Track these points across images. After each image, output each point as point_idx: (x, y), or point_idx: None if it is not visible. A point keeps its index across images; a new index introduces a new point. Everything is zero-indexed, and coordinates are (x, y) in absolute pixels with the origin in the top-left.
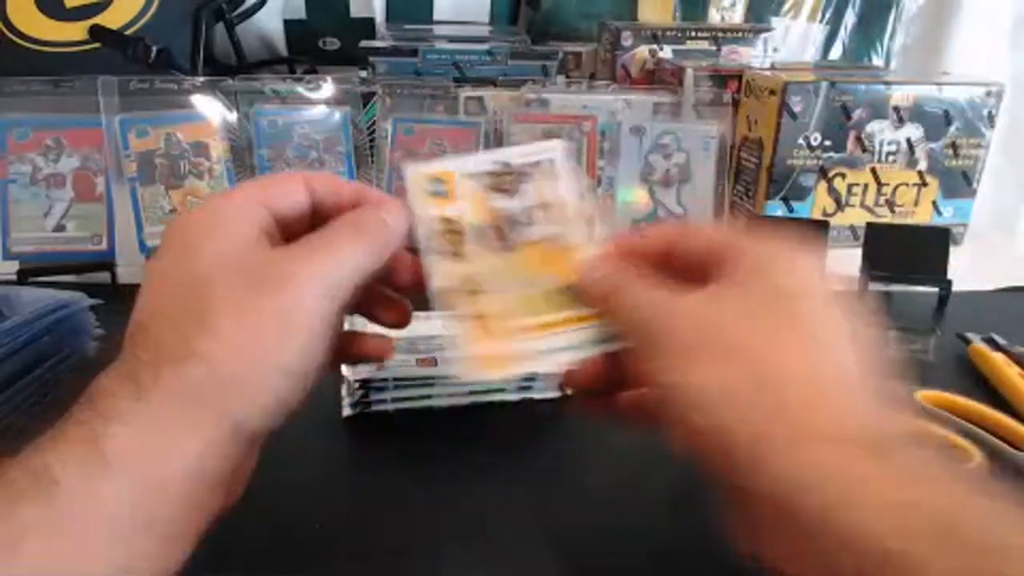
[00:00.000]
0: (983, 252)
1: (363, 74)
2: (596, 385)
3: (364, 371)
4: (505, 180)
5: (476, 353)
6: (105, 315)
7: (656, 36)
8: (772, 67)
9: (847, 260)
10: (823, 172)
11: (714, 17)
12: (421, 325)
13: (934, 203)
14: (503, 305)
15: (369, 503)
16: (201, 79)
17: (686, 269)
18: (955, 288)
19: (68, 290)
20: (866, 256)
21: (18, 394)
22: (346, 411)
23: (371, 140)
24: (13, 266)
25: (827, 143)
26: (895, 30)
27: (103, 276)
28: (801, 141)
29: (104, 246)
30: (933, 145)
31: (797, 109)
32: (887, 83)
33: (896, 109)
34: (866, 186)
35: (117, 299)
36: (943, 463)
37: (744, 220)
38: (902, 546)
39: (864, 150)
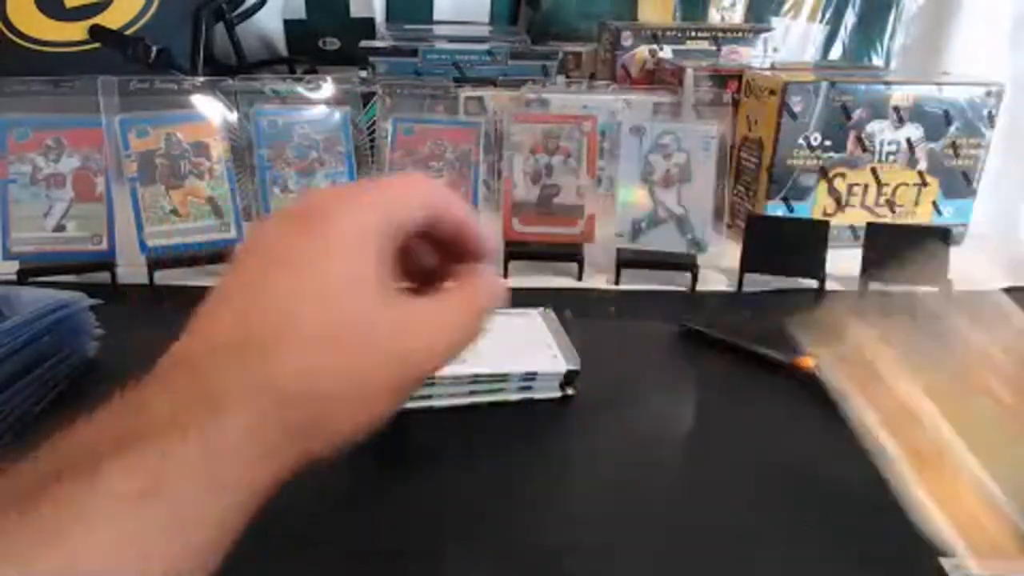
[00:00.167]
0: (983, 252)
1: (363, 74)
2: None
3: None
4: None
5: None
6: (105, 315)
7: (656, 36)
8: (772, 67)
9: (847, 260)
10: (823, 172)
11: (714, 17)
12: None
13: (934, 203)
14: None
15: (369, 503)
16: (201, 79)
17: None
18: (955, 288)
19: (68, 290)
20: (866, 256)
21: (18, 394)
22: None
23: (371, 140)
24: (13, 266)
25: (827, 143)
26: (895, 30)
27: (103, 276)
28: (801, 141)
29: (104, 246)
30: (933, 145)
31: (797, 109)
32: (887, 83)
33: (896, 109)
34: (866, 186)
35: (117, 299)
36: None
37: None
38: None
39: (864, 150)
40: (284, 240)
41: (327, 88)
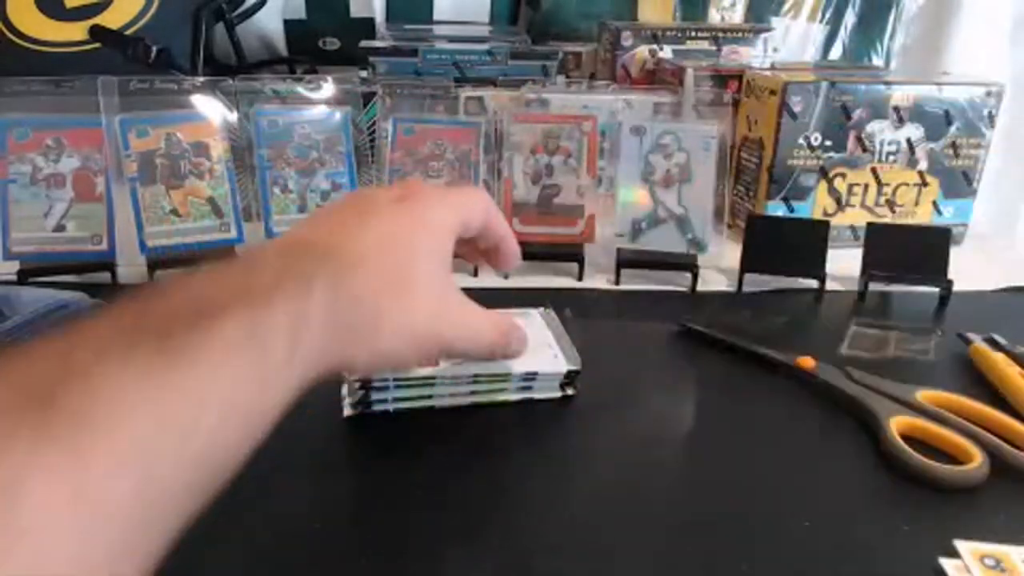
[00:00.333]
0: (983, 252)
1: (363, 74)
2: None
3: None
4: None
5: None
6: None
7: (656, 36)
8: (772, 67)
9: (847, 260)
10: (823, 172)
11: (714, 17)
12: None
13: (934, 203)
14: None
15: (369, 503)
16: (201, 79)
17: None
18: (955, 288)
19: (68, 290)
20: (866, 256)
21: None
22: (346, 411)
23: (371, 140)
24: (13, 266)
25: (827, 143)
26: (895, 30)
27: (103, 276)
28: (801, 141)
29: (104, 246)
30: (933, 145)
31: (797, 109)
32: (887, 83)
33: (896, 109)
34: (866, 186)
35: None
36: None
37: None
38: None
39: (864, 150)
40: (384, 203)
41: (327, 88)
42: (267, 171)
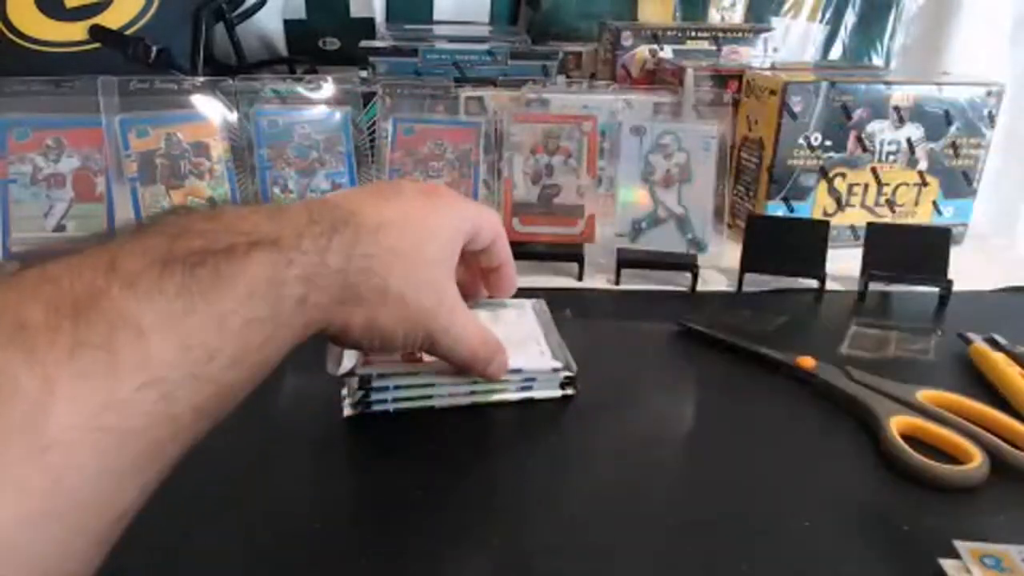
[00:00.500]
0: (983, 252)
1: (363, 74)
2: None
3: (346, 365)
4: None
5: None
6: None
7: (656, 36)
8: (772, 67)
9: (847, 260)
10: (823, 172)
11: (714, 17)
12: None
13: (934, 203)
14: None
15: (369, 503)
16: (201, 79)
17: None
18: (955, 288)
19: None
20: (866, 256)
21: None
22: (346, 411)
23: (371, 140)
24: (13, 266)
25: (827, 143)
26: (895, 30)
27: None
28: (801, 141)
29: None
30: (933, 145)
31: (797, 109)
32: (887, 83)
33: (896, 109)
34: (866, 186)
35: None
36: None
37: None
38: None
39: (864, 150)
40: (409, 190)
41: (327, 88)
42: (267, 171)
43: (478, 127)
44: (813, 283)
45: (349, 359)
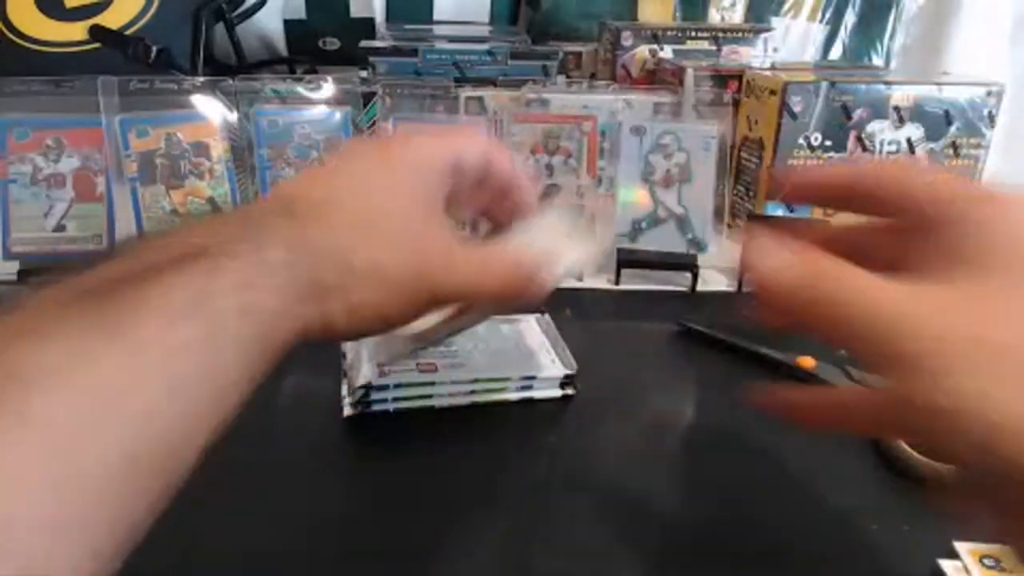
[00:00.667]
0: None
1: (363, 74)
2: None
3: (365, 375)
4: None
5: None
6: None
7: (656, 36)
8: (772, 67)
9: None
10: None
11: (714, 17)
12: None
13: None
14: None
15: (369, 503)
16: (201, 79)
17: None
18: None
19: None
20: None
21: None
22: (346, 411)
23: None
24: (13, 266)
25: (827, 143)
26: (895, 30)
27: None
28: (801, 141)
29: (105, 246)
30: (933, 145)
31: (797, 109)
32: (887, 83)
33: (896, 109)
34: None
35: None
36: None
37: (744, 220)
38: None
39: (865, 150)
40: (368, 148)
41: (327, 88)
42: (267, 171)
43: (478, 127)
44: None
45: (368, 369)
